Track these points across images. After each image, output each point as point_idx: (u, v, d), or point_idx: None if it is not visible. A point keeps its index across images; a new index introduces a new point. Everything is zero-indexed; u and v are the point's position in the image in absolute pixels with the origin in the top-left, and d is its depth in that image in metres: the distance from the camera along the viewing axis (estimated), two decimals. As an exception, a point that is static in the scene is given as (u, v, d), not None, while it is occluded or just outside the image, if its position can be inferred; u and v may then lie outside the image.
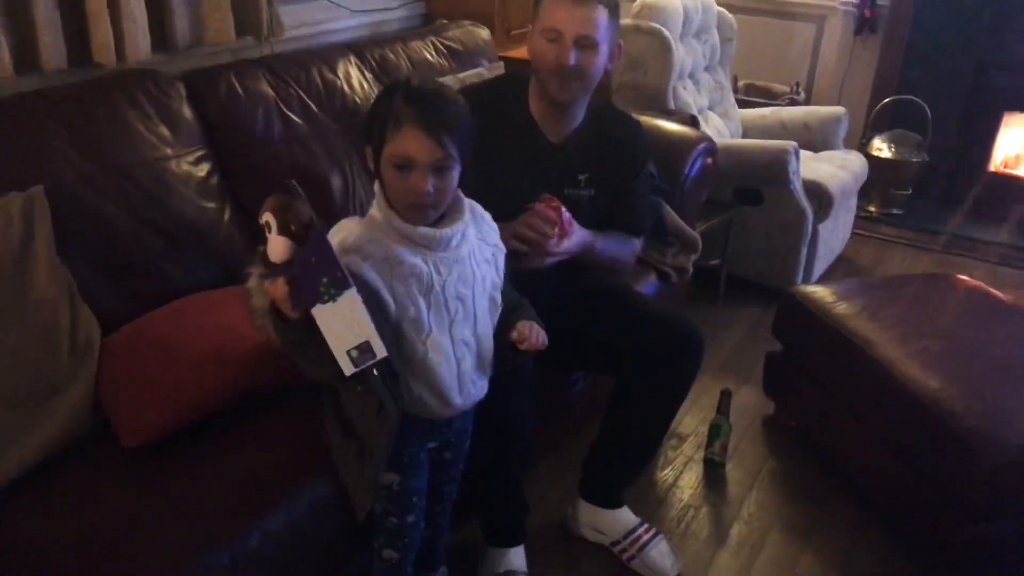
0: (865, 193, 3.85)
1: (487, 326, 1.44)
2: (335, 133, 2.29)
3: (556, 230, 1.74)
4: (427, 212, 1.32)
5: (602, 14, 1.74)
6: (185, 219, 1.93)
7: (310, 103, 2.28)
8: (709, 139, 2.63)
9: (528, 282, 1.79)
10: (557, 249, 1.75)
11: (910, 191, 4.03)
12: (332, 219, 2.25)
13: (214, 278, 1.94)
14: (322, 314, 1.15)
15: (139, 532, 1.36)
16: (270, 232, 1.15)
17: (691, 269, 2.44)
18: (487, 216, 1.47)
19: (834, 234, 3.39)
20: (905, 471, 2.03)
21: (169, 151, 1.95)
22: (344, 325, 1.17)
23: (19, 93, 1.83)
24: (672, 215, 2.37)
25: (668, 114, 3.05)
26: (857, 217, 3.81)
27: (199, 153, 2.03)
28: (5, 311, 1.54)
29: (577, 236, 1.80)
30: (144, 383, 1.54)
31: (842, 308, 2.31)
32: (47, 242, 1.63)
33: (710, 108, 3.54)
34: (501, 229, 1.68)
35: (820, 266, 3.33)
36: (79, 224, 1.73)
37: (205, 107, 2.08)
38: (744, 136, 3.61)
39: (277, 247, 1.15)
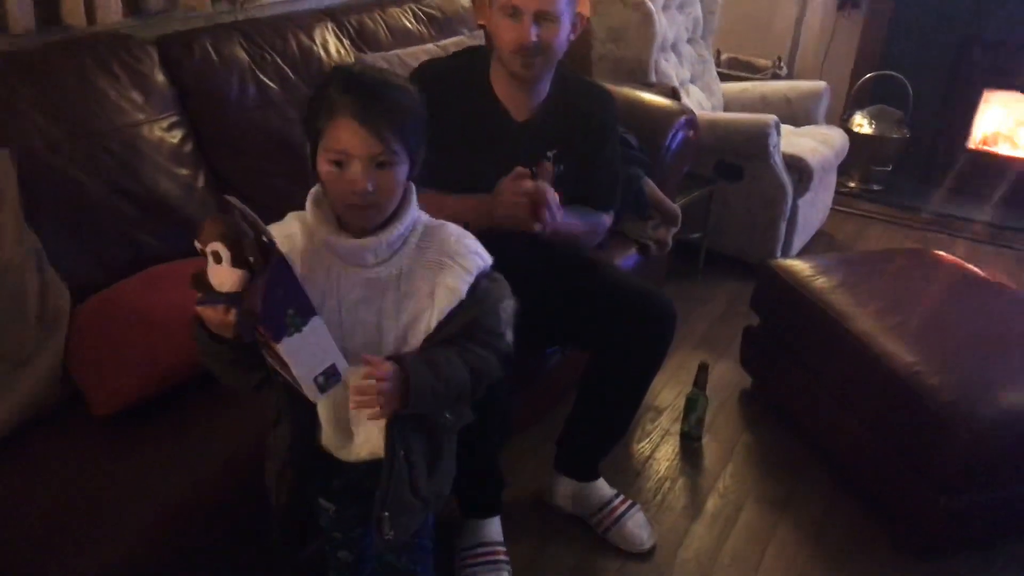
0: (845, 169, 3.86)
1: None
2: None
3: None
4: (367, 213, 1.14)
5: None
6: (158, 186, 1.89)
7: (286, 69, 2.24)
8: (690, 111, 2.61)
9: (502, 254, 1.77)
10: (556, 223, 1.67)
11: (890, 167, 4.04)
12: (306, 188, 2.23)
13: (188, 247, 1.87)
14: (289, 346, 1.03)
15: (108, 501, 1.34)
16: (218, 263, 1.00)
17: (671, 242, 2.43)
18: (466, 245, 1.20)
19: (813, 209, 3.39)
20: (880, 444, 2.05)
21: (141, 117, 1.91)
22: (309, 352, 1.06)
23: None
24: (652, 188, 2.35)
25: (649, 86, 3.03)
26: (837, 193, 3.82)
27: (172, 119, 1.99)
28: (-29, 277, 1.50)
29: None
30: (115, 352, 1.51)
31: (820, 282, 2.32)
32: (13, 206, 1.59)
33: (692, 81, 3.52)
34: (486, 203, 1.67)
35: (799, 241, 3.34)
36: (47, 190, 1.70)
37: (179, 72, 2.04)
38: (725, 110, 3.60)
39: (227, 278, 1.01)
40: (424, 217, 1.23)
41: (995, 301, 2.33)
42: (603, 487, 2.02)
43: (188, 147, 2.01)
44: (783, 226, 3.15)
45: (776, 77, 4.06)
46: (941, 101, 4.08)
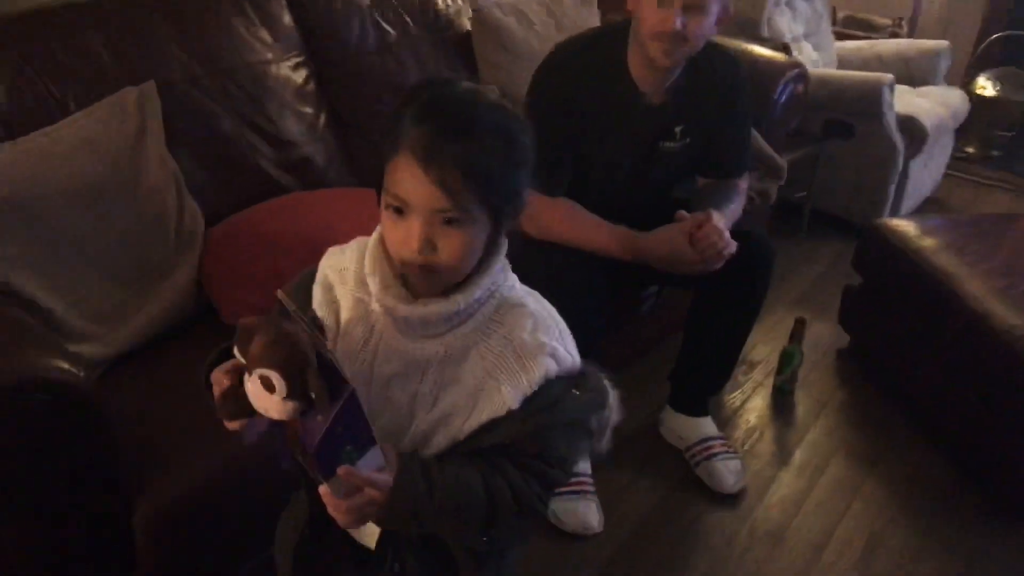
0: (963, 133, 3.72)
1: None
2: (426, 44, 2.35)
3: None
4: (423, 277, 0.89)
5: None
6: (283, 122, 2.02)
7: (404, 15, 2.34)
8: (800, 65, 2.58)
9: (612, 200, 1.82)
10: (729, 250, 1.72)
11: (1013, 133, 3.87)
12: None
13: (309, 182, 2.03)
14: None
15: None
16: (269, 390, 0.80)
17: (774, 195, 2.43)
18: (540, 344, 0.91)
19: (925, 173, 3.30)
20: (979, 406, 2.02)
21: (270, 56, 2.03)
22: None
23: (131, -4, 1.93)
24: (758, 140, 2.35)
25: (761, 41, 2.99)
26: (953, 158, 3.69)
27: (297, 59, 2.10)
28: (120, 196, 1.65)
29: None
30: (244, 269, 1.65)
31: (926, 242, 2.28)
32: (158, 134, 1.74)
33: (805, 37, 3.44)
34: (654, 241, 1.71)
35: (909, 204, 3.26)
36: (185, 121, 1.84)
37: (304, 15, 2.15)
38: (839, 68, 3.51)
39: (275, 409, 0.81)
40: (507, 286, 0.95)
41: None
42: (708, 425, 2.08)
43: (311, 87, 2.12)
44: (892, 188, 3.08)
45: (895, 36, 3.92)
46: (1074, 64, 3.87)
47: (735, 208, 1.91)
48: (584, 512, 1.85)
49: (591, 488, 1.90)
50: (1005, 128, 3.87)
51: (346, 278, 0.97)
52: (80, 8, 1.81)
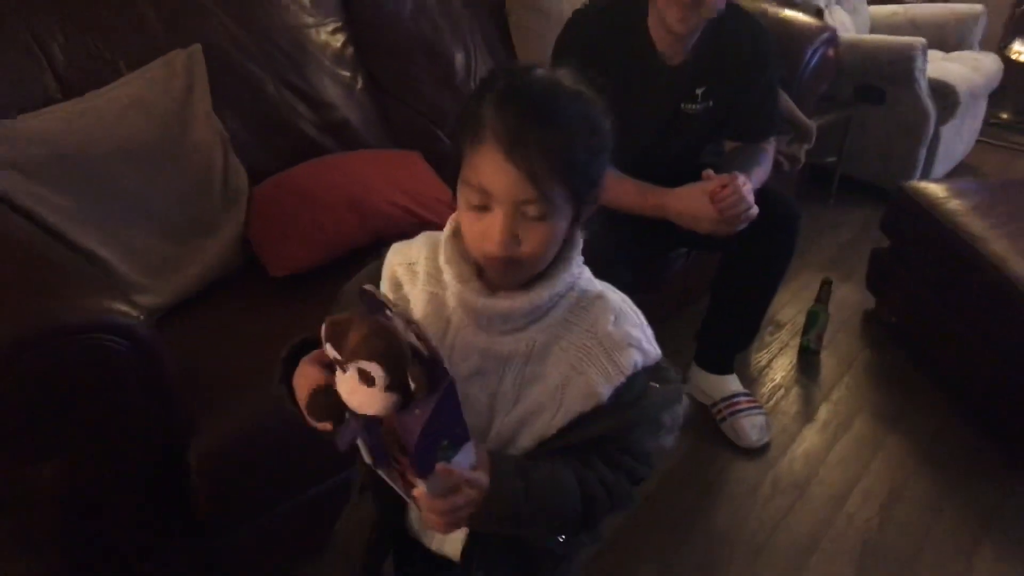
0: (998, 100, 3.71)
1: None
2: (460, 10, 2.39)
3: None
4: (505, 270, 0.87)
5: None
6: (323, 85, 2.08)
7: (439, -21, 2.38)
8: (832, 29, 2.58)
9: (639, 165, 1.87)
10: (751, 213, 1.76)
11: (1048, 99, 3.85)
12: (454, 95, 2.36)
13: (347, 142, 2.10)
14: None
15: (276, 351, 1.56)
16: (368, 384, 0.78)
17: (803, 158, 2.46)
18: (625, 333, 0.90)
19: (957, 138, 3.30)
20: (1001, 365, 2.06)
21: (310, 20, 2.09)
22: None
23: (177, -39, 2.00)
24: (788, 102, 2.37)
25: (793, 6, 3.00)
26: (987, 124, 3.68)
27: (336, 24, 2.16)
28: (168, 154, 1.73)
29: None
30: (288, 223, 1.72)
31: (953, 204, 2.30)
32: (204, 95, 1.81)
33: (837, 2, 3.44)
34: (675, 197, 1.75)
35: (940, 170, 3.27)
36: (229, 82, 1.90)
37: (342, -20, 2.21)
38: (872, 32, 3.50)
39: (373, 403, 0.79)
40: (585, 279, 0.93)
41: None
42: (734, 382, 2.14)
43: (349, 51, 2.18)
44: (923, 153, 3.09)
45: (931, 1, 3.89)
46: (1113, 29, 3.83)
47: (761, 171, 1.94)
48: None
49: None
50: (1040, 94, 3.84)
51: (416, 274, 0.94)
52: (129, -25, 1.88)
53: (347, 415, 0.81)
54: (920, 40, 2.96)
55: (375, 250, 1.54)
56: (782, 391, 2.27)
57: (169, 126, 1.74)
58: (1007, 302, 2.02)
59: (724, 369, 2.14)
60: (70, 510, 1.31)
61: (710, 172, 1.78)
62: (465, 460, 0.83)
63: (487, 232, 0.84)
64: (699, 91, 1.86)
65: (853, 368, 2.37)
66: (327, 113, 2.08)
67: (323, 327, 0.80)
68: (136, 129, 1.69)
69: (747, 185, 1.77)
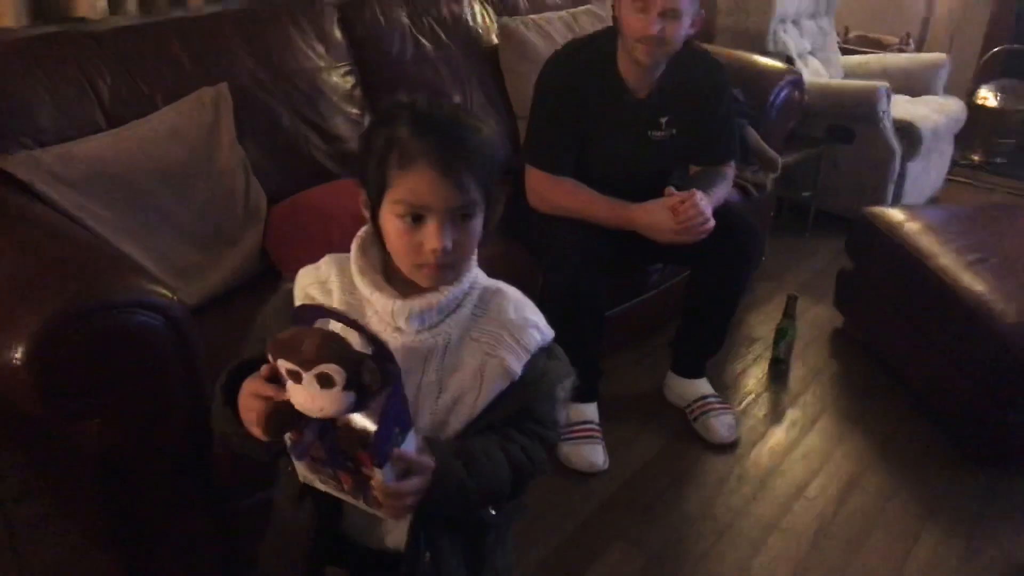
0: (969, 142, 3.95)
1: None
2: (458, 56, 2.66)
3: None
4: (443, 272, 0.99)
5: None
6: (334, 120, 2.34)
7: (439, 30, 2.65)
8: (796, 72, 2.85)
9: (612, 187, 2.10)
10: (707, 226, 1.99)
11: (1014, 141, 4.08)
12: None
13: (354, 171, 2.34)
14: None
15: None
16: (326, 387, 0.85)
17: (769, 186, 2.69)
18: (525, 318, 1.05)
19: (925, 175, 3.53)
20: (952, 365, 2.25)
21: (323, 64, 2.36)
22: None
23: (207, 13, 2.28)
24: (754, 136, 2.62)
25: (767, 54, 3.27)
26: (959, 165, 3.92)
27: (346, 68, 2.43)
28: (198, 176, 1.98)
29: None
30: (303, 235, 1.96)
31: (909, 226, 2.52)
32: (229, 126, 2.07)
33: (811, 53, 3.72)
34: (641, 210, 1.98)
35: (908, 204, 3.48)
36: (252, 115, 2.16)
37: (352, 30, 2.48)
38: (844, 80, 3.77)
39: (332, 404, 0.85)
40: (481, 277, 1.07)
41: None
42: (705, 385, 2.34)
43: (357, 91, 2.44)
44: (891, 188, 3.32)
45: (902, 52, 4.17)
46: (1074, 75, 4.08)
47: (721, 191, 2.18)
48: (590, 453, 2.12)
49: (598, 434, 2.17)
50: (1006, 136, 4.07)
51: (330, 291, 1.04)
52: (166, 23, 2.16)
53: (298, 425, 0.88)
54: (883, 83, 3.22)
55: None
56: (753, 396, 2.47)
57: (198, 152, 2.00)
58: (951, 308, 2.22)
59: (696, 373, 2.34)
60: (109, 465, 1.51)
61: (671, 189, 2.02)
62: (411, 446, 0.92)
63: (426, 240, 0.96)
64: (663, 120, 2.11)
65: (820, 377, 2.57)
66: (337, 145, 2.34)
67: (270, 346, 0.88)
68: (170, 154, 1.94)
69: (704, 201, 2.01)
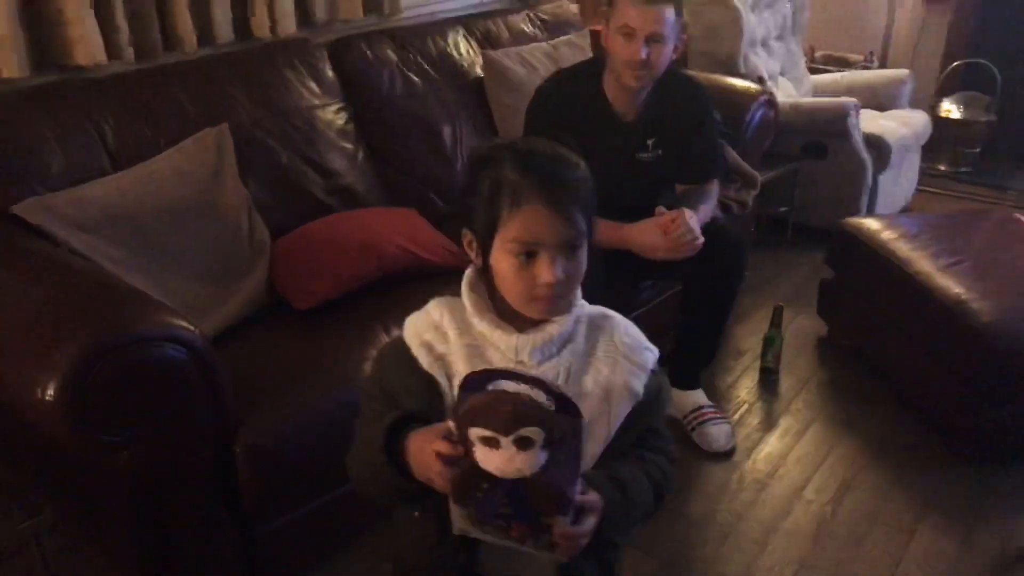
0: (935, 154, 4.11)
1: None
2: (446, 90, 2.75)
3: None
4: (556, 303, 1.04)
5: (670, 13, 2.07)
6: (330, 156, 2.42)
7: (426, 66, 2.74)
8: (769, 92, 2.97)
9: (603, 207, 2.18)
10: (696, 242, 2.09)
11: (978, 150, 4.24)
12: (444, 163, 2.69)
13: (351, 204, 2.41)
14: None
15: (300, 368, 1.83)
16: (525, 448, 0.88)
17: (750, 203, 2.80)
18: (636, 339, 1.12)
19: (896, 186, 3.66)
20: (935, 366, 2.35)
21: (317, 102, 2.44)
22: None
23: (201, 57, 2.35)
24: (734, 155, 2.73)
25: (739, 76, 3.39)
26: (927, 175, 4.07)
27: (339, 105, 2.51)
28: (203, 214, 2.04)
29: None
30: (310, 265, 2.03)
31: (886, 234, 2.63)
32: (232, 165, 2.14)
33: (781, 74, 3.85)
34: (634, 230, 2.06)
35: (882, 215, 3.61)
36: (252, 154, 2.23)
37: (344, 68, 2.57)
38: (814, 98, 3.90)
39: (531, 463, 0.88)
40: (586, 305, 1.12)
41: (1052, 252, 2.58)
42: (700, 395, 2.41)
43: (351, 127, 2.53)
44: (864, 200, 3.44)
45: (866, 69, 4.32)
46: (1030, 86, 4.25)
47: (707, 208, 2.28)
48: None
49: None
50: (970, 146, 4.23)
51: (445, 333, 1.07)
52: (164, 68, 2.23)
53: (485, 487, 0.91)
54: (852, 99, 3.35)
55: (384, 283, 1.82)
56: (746, 406, 2.55)
57: (203, 191, 2.06)
58: (932, 312, 2.32)
59: (691, 385, 2.41)
60: (139, 494, 1.56)
61: (662, 208, 2.11)
62: (578, 486, 0.95)
63: (540, 273, 1.01)
64: (650, 142, 2.21)
65: (809, 385, 2.65)
66: (334, 180, 2.41)
67: (455, 419, 0.92)
68: (175, 194, 2.01)
69: (693, 219, 2.10)
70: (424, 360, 1.07)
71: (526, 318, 1.06)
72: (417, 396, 1.05)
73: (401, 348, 1.10)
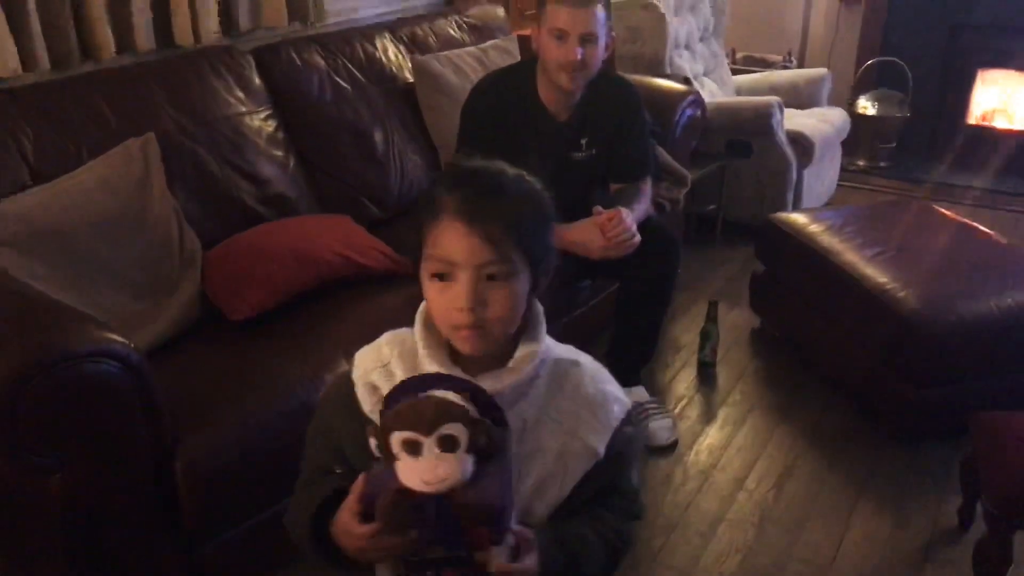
0: (854, 150, 4.26)
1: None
2: (376, 95, 2.73)
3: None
4: (479, 336, 0.93)
5: (600, 11, 2.10)
6: (260, 164, 2.37)
7: (355, 71, 2.72)
8: (696, 92, 3.03)
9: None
10: (634, 240, 2.12)
11: (894, 145, 4.40)
12: (377, 168, 2.67)
13: (283, 212, 2.38)
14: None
15: (238, 382, 1.79)
16: (449, 450, 0.83)
17: (682, 201, 2.85)
18: (603, 392, 1.02)
19: (819, 181, 3.77)
20: (863, 352, 2.42)
21: (244, 109, 2.40)
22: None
23: (122, 66, 2.29)
24: (664, 154, 2.77)
25: (665, 77, 3.45)
26: (846, 171, 4.20)
27: (267, 112, 2.47)
28: (132, 225, 1.98)
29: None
30: (243, 275, 1.98)
31: (812, 228, 2.71)
32: (159, 174, 2.08)
33: (705, 74, 3.93)
34: (572, 230, 2.05)
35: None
36: (180, 164, 2.18)
37: (270, 75, 2.52)
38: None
39: (454, 470, 0.83)
40: (554, 347, 1.02)
41: (968, 239, 2.69)
42: (641, 392, 2.43)
43: (280, 134, 2.48)
44: (790, 195, 3.54)
45: (786, 68, 4.45)
46: (939, 82, 4.43)
47: (641, 207, 2.31)
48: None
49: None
50: (886, 141, 4.39)
51: (392, 373, 0.98)
52: (84, 77, 2.17)
53: (411, 511, 0.84)
54: (775, 98, 3.45)
55: (319, 292, 1.79)
56: (686, 399, 2.59)
57: (130, 202, 2.00)
58: (859, 300, 2.40)
59: (631, 382, 2.43)
60: (73, 519, 1.50)
61: (599, 208, 2.14)
62: (514, 525, 0.89)
63: (454, 299, 0.90)
64: (583, 141, 2.24)
65: (745, 376, 2.71)
66: (265, 188, 2.37)
67: (380, 424, 0.87)
68: (102, 206, 1.95)
69: (630, 217, 2.13)
70: (367, 404, 0.98)
71: (482, 359, 0.95)
72: (359, 445, 0.92)
73: (345, 389, 1.02)
